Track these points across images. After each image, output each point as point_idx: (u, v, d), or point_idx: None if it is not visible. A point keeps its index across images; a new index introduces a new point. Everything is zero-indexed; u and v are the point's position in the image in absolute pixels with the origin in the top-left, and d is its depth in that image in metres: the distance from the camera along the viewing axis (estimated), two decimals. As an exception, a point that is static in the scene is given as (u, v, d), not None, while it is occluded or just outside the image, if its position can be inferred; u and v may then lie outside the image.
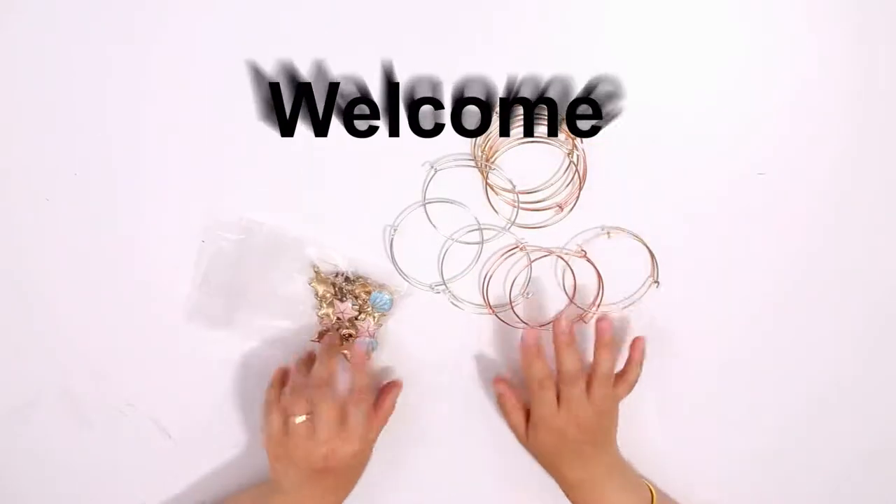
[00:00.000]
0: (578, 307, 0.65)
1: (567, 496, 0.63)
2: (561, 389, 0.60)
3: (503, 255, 0.64)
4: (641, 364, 0.63)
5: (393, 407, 0.64)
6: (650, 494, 0.63)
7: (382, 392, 0.64)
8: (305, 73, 0.60)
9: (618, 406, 0.63)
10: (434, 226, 0.63)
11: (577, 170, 0.61)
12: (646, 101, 0.60)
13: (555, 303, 0.65)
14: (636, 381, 0.63)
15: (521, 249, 0.63)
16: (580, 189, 0.62)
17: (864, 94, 0.60)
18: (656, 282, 0.63)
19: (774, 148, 0.61)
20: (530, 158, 0.61)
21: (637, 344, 0.62)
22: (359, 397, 0.59)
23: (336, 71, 0.60)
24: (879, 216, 0.63)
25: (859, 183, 0.62)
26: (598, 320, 0.61)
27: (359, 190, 0.63)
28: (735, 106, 0.60)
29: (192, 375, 0.68)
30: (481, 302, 0.65)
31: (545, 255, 0.64)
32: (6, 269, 0.66)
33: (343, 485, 0.62)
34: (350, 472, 0.61)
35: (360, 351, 0.61)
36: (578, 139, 0.60)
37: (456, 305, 0.65)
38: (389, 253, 0.64)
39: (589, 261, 0.63)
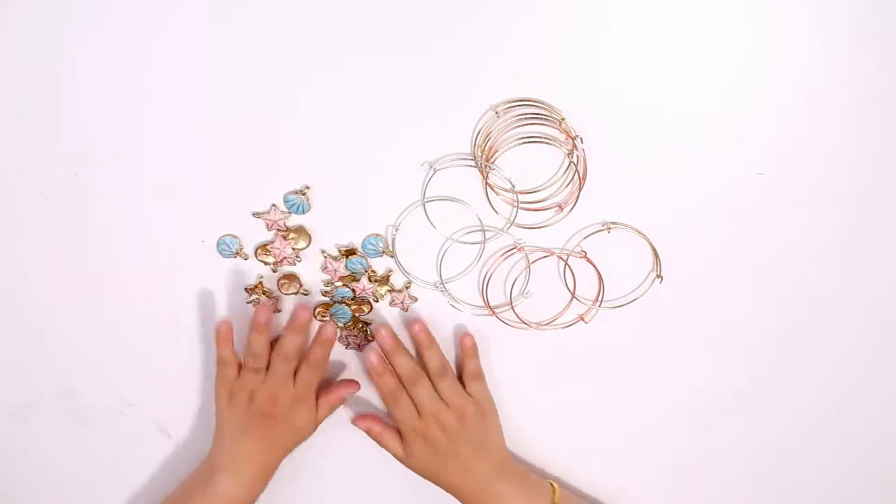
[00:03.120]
0: (581, 302, 0.64)
1: None
2: (410, 394, 0.62)
3: (503, 255, 0.64)
4: (475, 355, 0.64)
5: (342, 400, 0.65)
6: (552, 491, 0.63)
7: (339, 383, 0.66)
8: (305, 72, 0.60)
9: (489, 404, 0.64)
10: (434, 226, 0.63)
11: (577, 170, 0.61)
12: (646, 100, 0.60)
13: (555, 303, 0.65)
14: (479, 371, 0.64)
15: (518, 250, 0.63)
16: (580, 189, 0.62)
17: (865, 94, 0.60)
18: (659, 276, 0.63)
19: (774, 148, 0.61)
20: (530, 158, 0.61)
21: (464, 339, 0.64)
22: (314, 361, 0.63)
23: (337, 71, 0.60)
24: (880, 215, 0.63)
25: (860, 182, 0.62)
26: (411, 323, 0.64)
27: (359, 190, 0.63)
28: (735, 106, 0.60)
29: (192, 375, 0.68)
30: (481, 302, 0.65)
31: (545, 256, 0.63)
32: (6, 269, 0.66)
33: (282, 443, 0.63)
34: (290, 428, 0.63)
35: (303, 314, 0.62)
36: (578, 139, 0.60)
37: (455, 307, 0.65)
38: (392, 252, 0.64)
39: (589, 261, 0.63)
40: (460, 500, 0.62)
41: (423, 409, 0.61)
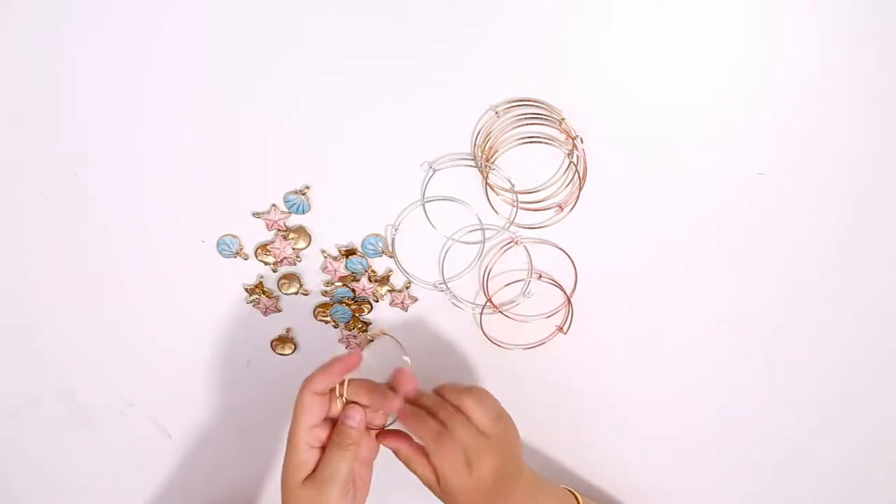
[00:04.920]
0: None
1: None
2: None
3: (502, 248, 0.64)
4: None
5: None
6: (575, 500, 0.62)
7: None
8: (305, 72, 0.60)
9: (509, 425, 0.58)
10: (433, 225, 0.63)
11: (577, 170, 0.61)
12: (646, 100, 0.60)
13: (554, 301, 0.65)
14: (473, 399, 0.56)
15: (516, 243, 0.63)
16: (580, 189, 0.62)
17: (865, 94, 0.60)
18: (562, 329, 0.65)
19: (774, 148, 0.61)
20: (530, 158, 0.61)
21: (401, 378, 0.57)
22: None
23: (337, 71, 0.60)
24: (880, 215, 0.63)
25: (860, 182, 0.62)
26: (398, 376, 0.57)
27: (359, 190, 0.63)
28: (735, 106, 0.60)
29: (192, 375, 0.68)
30: (481, 302, 0.65)
31: (510, 244, 0.64)
32: (6, 269, 0.66)
33: None
34: None
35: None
36: (578, 139, 0.60)
37: (457, 305, 0.65)
38: (392, 252, 0.64)
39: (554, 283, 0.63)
40: None
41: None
